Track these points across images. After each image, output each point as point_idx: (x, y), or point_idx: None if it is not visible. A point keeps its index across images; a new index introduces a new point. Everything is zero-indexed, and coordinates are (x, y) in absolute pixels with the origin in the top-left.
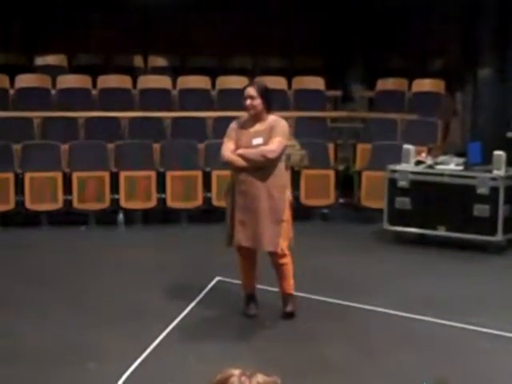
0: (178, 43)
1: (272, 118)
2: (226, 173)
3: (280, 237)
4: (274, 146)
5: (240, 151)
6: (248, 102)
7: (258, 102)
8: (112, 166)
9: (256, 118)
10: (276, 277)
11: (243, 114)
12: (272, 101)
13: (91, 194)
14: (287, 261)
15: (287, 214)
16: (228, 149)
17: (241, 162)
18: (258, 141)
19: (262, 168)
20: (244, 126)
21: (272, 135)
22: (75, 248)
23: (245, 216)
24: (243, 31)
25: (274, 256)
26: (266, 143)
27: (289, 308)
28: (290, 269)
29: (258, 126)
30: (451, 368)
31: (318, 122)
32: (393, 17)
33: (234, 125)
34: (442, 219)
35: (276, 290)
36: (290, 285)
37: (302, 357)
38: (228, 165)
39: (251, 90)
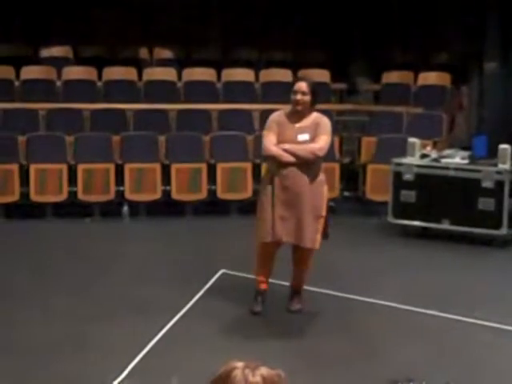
0: (184, 35)
1: (315, 115)
2: (231, 165)
3: (318, 233)
4: (323, 143)
5: (286, 146)
6: (299, 97)
7: (308, 98)
8: (117, 157)
9: (301, 114)
10: (291, 271)
11: (284, 107)
12: (318, 98)
13: (96, 186)
14: (311, 255)
15: (325, 210)
16: (271, 142)
17: (288, 158)
18: (304, 137)
19: (306, 164)
20: (287, 120)
21: (318, 132)
22: (80, 240)
23: (287, 211)
24: (248, 24)
25: (307, 252)
26: (312, 140)
27: (297, 306)
28: (310, 266)
29: (303, 122)
30: (455, 361)
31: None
32: (398, 9)
33: (275, 117)
34: (447, 213)
35: (279, 282)
36: (304, 282)
37: (304, 350)
38: (271, 159)
39: (304, 86)
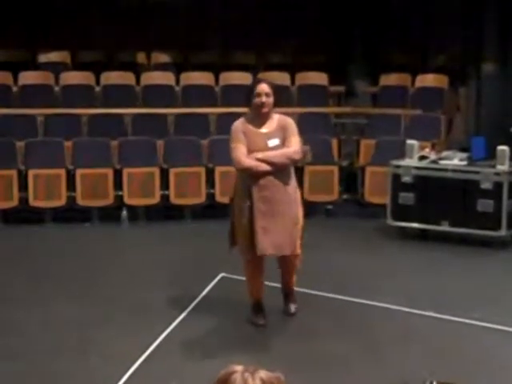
0: (181, 39)
1: (278, 117)
2: (230, 169)
3: (298, 238)
4: (296, 146)
5: (260, 155)
6: (264, 99)
7: (271, 99)
8: (115, 162)
9: (265, 117)
10: (280, 274)
11: (244, 112)
12: (280, 98)
13: (95, 191)
14: (299, 259)
15: (301, 214)
16: (243, 154)
17: (265, 167)
18: (274, 142)
19: (282, 171)
20: (252, 126)
21: (287, 135)
22: (78, 245)
23: (269, 223)
24: (246, 27)
25: (293, 257)
26: (282, 144)
27: (292, 308)
28: (298, 266)
29: (268, 126)
30: (454, 363)
31: (321, 118)
32: (395, 12)
33: (238, 126)
34: (446, 214)
35: (275, 285)
36: (294, 282)
37: (303, 353)
38: (246, 171)
39: (266, 87)
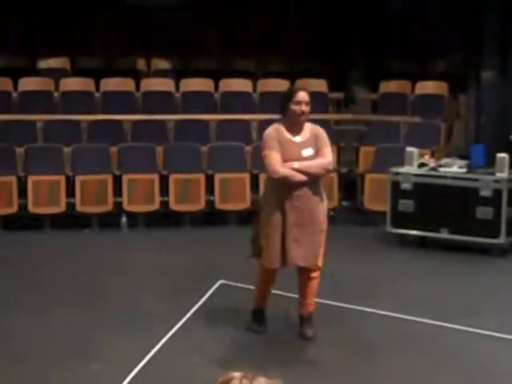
0: (181, 46)
1: (310, 126)
2: (229, 175)
3: (322, 247)
4: (330, 157)
5: (297, 165)
6: (304, 107)
7: (309, 108)
8: (115, 169)
9: (300, 126)
10: (301, 295)
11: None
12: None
13: (94, 197)
14: (318, 274)
15: (326, 225)
16: (278, 162)
17: (301, 177)
18: (308, 152)
19: (313, 181)
20: (287, 134)
21: (320, 145)
22: (78, 251)
23: (300, 233)
24: (246, 34)
25: (313, 271)
26: (316, 154)
27: (310, 333)
28: (318, 284)
29: (303, 135)
30: (453, 370)
31: (320, 125)
32: (395, 19)
33: (273, 134)
34: (445, 222)
35: (276, 292)
36: (314, 303)
37: (302, 359)
38: (282, 180)
39: (306, 96)
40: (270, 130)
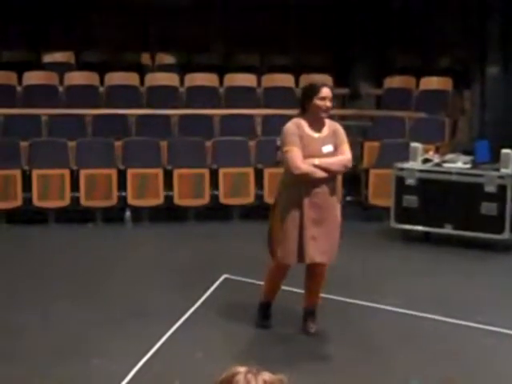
0: (185, 41)
1: (328, 122)
2: (234, 170)
3: (338, 243)
4: (349, 154)
5: (317, 162)
6: (329, 103)
7: (331, 105)
8: (119, 163)
9: (321, 122)
10: (307, 289)
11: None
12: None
13: (98, 192)
14: (326, 269)
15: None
16: (300, 158)
17: (321, 174)
18: (328, 148)
19: (331, 178)
20: (308, 130)
21: (339, 142)
22: (82, 245)
23: (318, 230)
24: (250, 29)
25: (324, 266)
26: (335, 150)
27: (313, 328)
28: (325, 277)
29: (323, 131)
30: (456, 366)
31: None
32: (400, 14)
33: (293, 129)
34: (449, 217)
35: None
36: (319, 298)
37: (306, 355)
38: (303, 176)
39: (330, 92)
40: (291, 125)
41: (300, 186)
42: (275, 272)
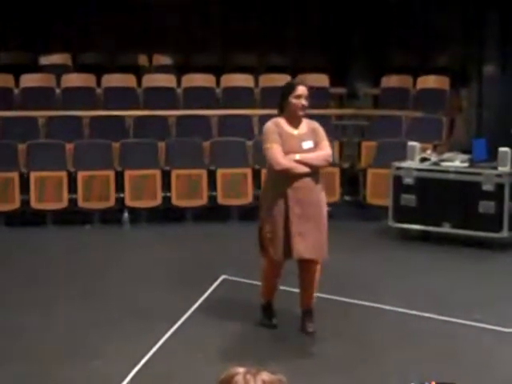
0: (183, 41)
1: (306, 120)
2: (231, 170)
3: (327, 240)
4: (329, 149)
5: (298, 157)
6: (304, 101)
7: (308, 102)
8: (117, 164)
9: (299, 120)
10: (302, 289)
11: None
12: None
13: (96, 193)
14: (320, 267)
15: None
16: (281, 155)
17: (303, 169)
18: (308, 144)
19: (314, 173)
20: (286, 127)
21: (318, 139)
22: (80, 247)
23: (304, 226)
24: (247, 29)
25: (315, 263)
26: (315, 146)
27: (311, 328)
28: (319, 277)
29: (301, 129)
30: (455, 365)
31: (322, 120)
32: (396, 13)
33: (273, 127)
34: (447, 216)
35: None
36: (314, 297)
37: (304, 355)
38: (284, 172)
39: (306, 90)
40: (269, 124)
41: (283, 182)
42: (268, 270)
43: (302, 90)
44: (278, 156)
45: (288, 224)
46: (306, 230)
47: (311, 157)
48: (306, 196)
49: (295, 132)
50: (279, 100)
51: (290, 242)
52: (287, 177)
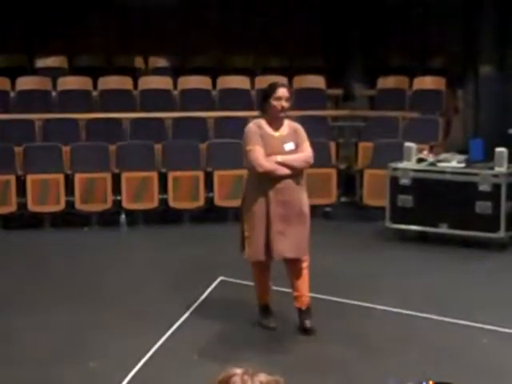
0: (179, 43)
1: (287, 122)
2: (228, 172)
3: (308, 240)
4: (310, 150)
5: (280, 158)
6: (284, 103)
7: (289, 104)
8: (114, 167)
9: (280, 121)
10: (294, 287)
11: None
12: None
13: (93, 196)
14: (307, 265)
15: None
16: (262, 156)
17: (285, 171)
18: (290, 146)
19: (296, 175)
20: (267, 129)
21: (300, 141)
22: (77, 249)
23: (285, 226)
24: (243, 31)
25: (301, 261)
26: (297, 148)
27: (309, 324)
28: (308, 274)
29: (282, 130)
30: (454, 365)
31: (319, 121)
32: (393, 14)
33: (254, 129)
34: (444, 217)
35: (277, 289)
36: (308, 294)
37: (302, 355)
38: (266, 174)
39: (286, 92)
40: (251, 126)
41: (265, 183)
42: (255, 271)
43: (282, 91)
44: (260, 158)
45: (269, 224)
46: (288, 230)
47: (292, 158)
48: (287, 197)
49: (277, 134)
50: (260, 101)
51: (270, 242)
52: (269, 178)
